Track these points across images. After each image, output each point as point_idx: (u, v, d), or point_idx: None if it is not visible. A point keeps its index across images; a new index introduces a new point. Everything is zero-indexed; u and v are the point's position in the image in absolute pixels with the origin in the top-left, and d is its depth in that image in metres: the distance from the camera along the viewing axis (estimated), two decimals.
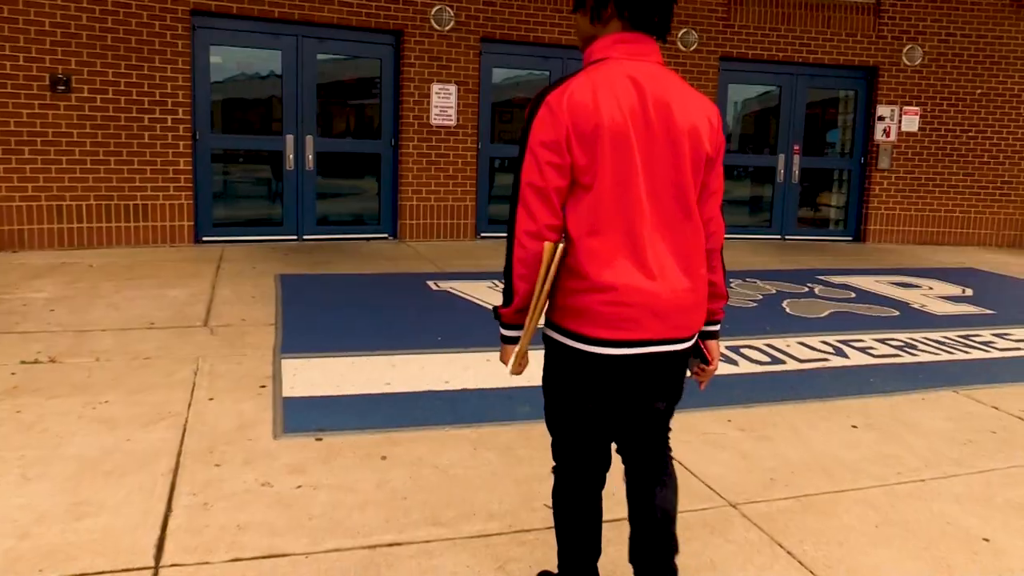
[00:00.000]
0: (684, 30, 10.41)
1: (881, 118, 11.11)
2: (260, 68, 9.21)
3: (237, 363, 4.61)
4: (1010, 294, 7.92)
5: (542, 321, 2.08)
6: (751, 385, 4.59)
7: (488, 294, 6.60)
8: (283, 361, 4.64)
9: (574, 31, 2.17)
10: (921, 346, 5.62)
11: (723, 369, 4.80)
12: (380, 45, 9.44)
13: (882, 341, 5.72)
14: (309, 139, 9.17)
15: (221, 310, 5.79)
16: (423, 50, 9.42)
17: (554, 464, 2.24)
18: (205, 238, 8.80)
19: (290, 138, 9.10)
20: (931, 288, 7.95)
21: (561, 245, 1.95)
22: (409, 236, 9.63)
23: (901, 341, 5.74)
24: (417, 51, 9.41)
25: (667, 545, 2.19)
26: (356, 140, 9.91)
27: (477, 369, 4.62)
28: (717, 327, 2.23)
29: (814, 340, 5.65)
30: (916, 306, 7.03)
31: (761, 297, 7.08)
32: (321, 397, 4.09)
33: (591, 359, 2.01)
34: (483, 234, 10.09)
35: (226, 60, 8.97)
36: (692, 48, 10.45)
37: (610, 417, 2.14)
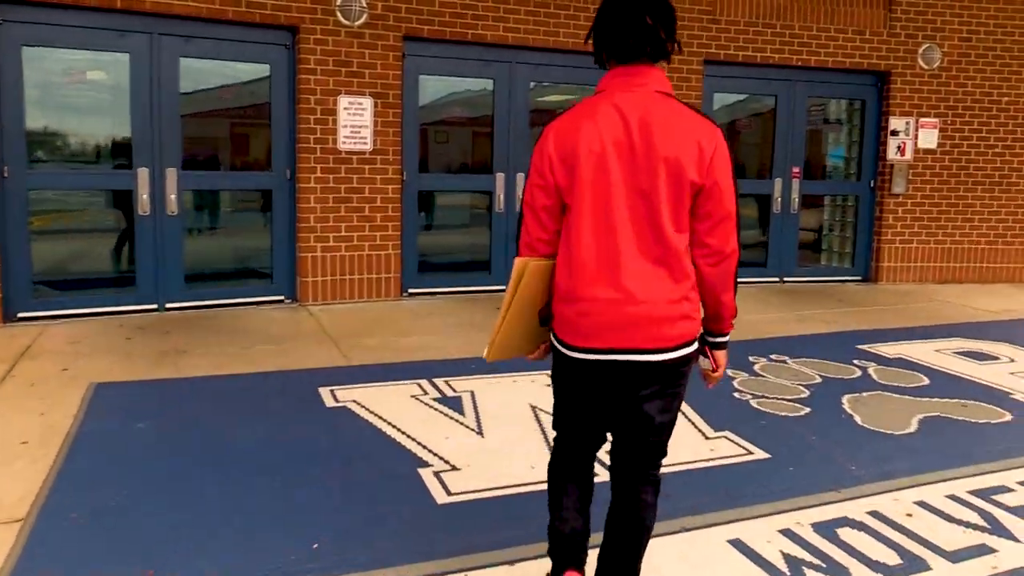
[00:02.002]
0: None
1: (895, 132, 9.17)
2: (101, 78, 6.79)
3: None
4: None
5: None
6: None
7: (413, 413, 4.31)
8: None
9: None
10: None
11: None
12: (269, 46, 7.11)
13: None
14: (171, 173, 6.76)
15: None
16: (327, 52, 7.12)
17: (554, 435, 2.51)
18: (21, 314, 6.31)
19: (144, 172, 6.68)
20: (1012, 360, 5.93)
21: (532, 262, 2.24)
22: (312, 297, 7.28)
23: None
24: (319, 53, 7.10)
25: (638, 542, 2.35)
26: (238, 173, 7.54)
27: None
28: (723, 338, 2.36)
29: (936, 495, 3.50)
30: (1019, 397, 4.98)
31: (807, 393, 4.94)
32: None
33: (570, 361, 2.26)
34: (412, 289, 7.79)
35: (50, 67, 6.52)
36: None
37: (599, 411, 2.33)
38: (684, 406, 4.45)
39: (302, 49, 7.04)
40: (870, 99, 9.26)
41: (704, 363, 2.41)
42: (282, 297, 7.33)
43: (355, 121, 7.24)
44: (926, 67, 9.15)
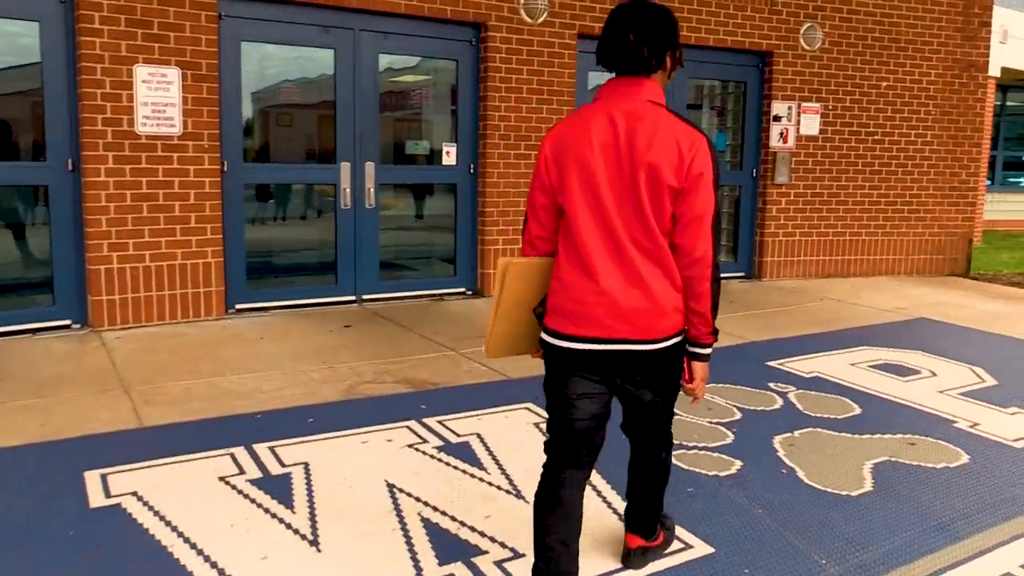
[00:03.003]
0: None
1: (777, 118, 8.54)
2: None
3: None
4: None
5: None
6: None
7: (220, 511, 3.03)
8: None
9: None
10: None
11: None
12: None
13: None
14: None
15: None
16: (116, 8, 5.61)
17: (544, 460, 2.45)
18: None
19: None
20: (934, 373, 5.28)
21: (514, 263, 2.32)
22: (108, 321, 5.77)
23: None
24: (105, 10, 5.58)
25: (650, 483, 2.62)
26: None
27: None
28: (701, 350, 2.34)
29: None
30: (963, 426, 4.27)
31: (731, 437, 4.01)
32: None
33: (563, 353, 2.29)
34: (240, 305, 6.40)
35: None
36: (540, 20, 7.32)
37: (592, 412, 2.34)
38: (594, 475, 3.41)
39: (82, 4, 5.49)
40: (752, 81, 8.58)
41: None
42: (68, 322, 5.77)
43: (158, 98, 5.77)
44: (808, 48, 8.56)
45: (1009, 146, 17.42)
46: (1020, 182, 17.77)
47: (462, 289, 7.47)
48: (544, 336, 2.33)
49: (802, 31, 8.48)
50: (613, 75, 2.30)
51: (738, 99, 8.74)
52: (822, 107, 8.70)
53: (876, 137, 8.97)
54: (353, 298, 6.88)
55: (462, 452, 3.68)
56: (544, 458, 2.43)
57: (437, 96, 7.68)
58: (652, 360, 2.27)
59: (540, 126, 7.44)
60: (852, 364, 5.45)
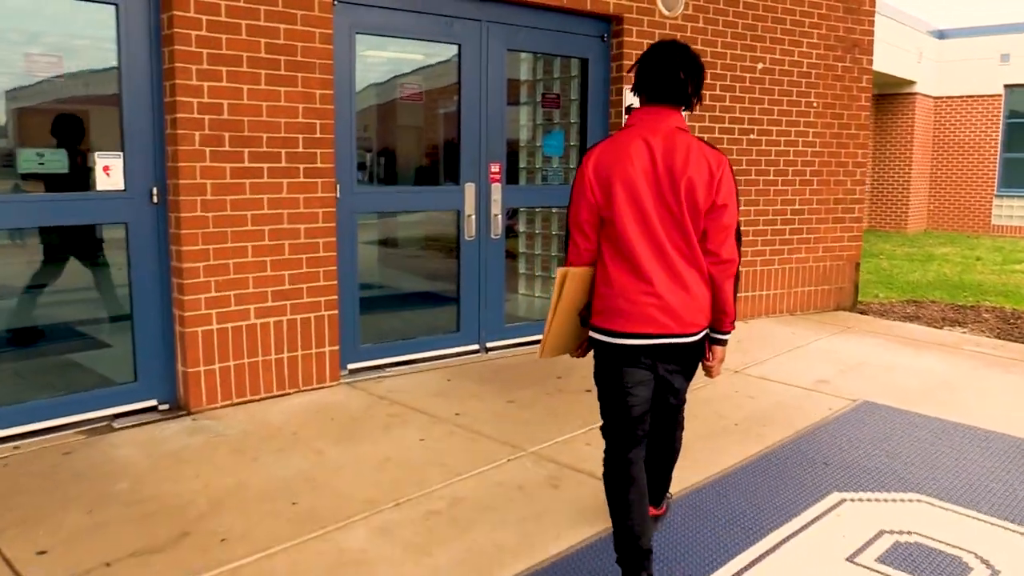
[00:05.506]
0: None
1: (630, 110, 6.05)
2: None
3: None
4: None
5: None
6: None
7: None
8: None
9: None
10: None
11: None
12: None
13: None
14: None
15: None
16: None
17: (604, 446, 2.76)
18: None
19: None
20: (990, 568, 2.89)
21: (572, 270, 2.67)
22: None
23: None
24: None
25: (668, 459, 2.99)
26: None
27: None
28: (722, 336, 2.74)
29: None
30: None
31: None
32: None
33: (615, 348, 2.62)
34: None
35: None
36: None
37: (639, 391, 2.65)
38: None
39: None
40: (595, 56, 6.04)
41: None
42: None
43: None
44: (668, 14, 6.14)
45: None
46: None
47: (150, 403, 4.35)
48: (596, 335, 2.65)
49: None
50: (637, 104, 2.68)
51: (574, 84, 6.18)
52: None
53: (752, 136, 6.75)
54: None
55: None
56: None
57: (102, 76, 4.48)
58: (688, 350, 2.65)
59: (277, 121, 4.48)
60: (850, 559, 2.95)
